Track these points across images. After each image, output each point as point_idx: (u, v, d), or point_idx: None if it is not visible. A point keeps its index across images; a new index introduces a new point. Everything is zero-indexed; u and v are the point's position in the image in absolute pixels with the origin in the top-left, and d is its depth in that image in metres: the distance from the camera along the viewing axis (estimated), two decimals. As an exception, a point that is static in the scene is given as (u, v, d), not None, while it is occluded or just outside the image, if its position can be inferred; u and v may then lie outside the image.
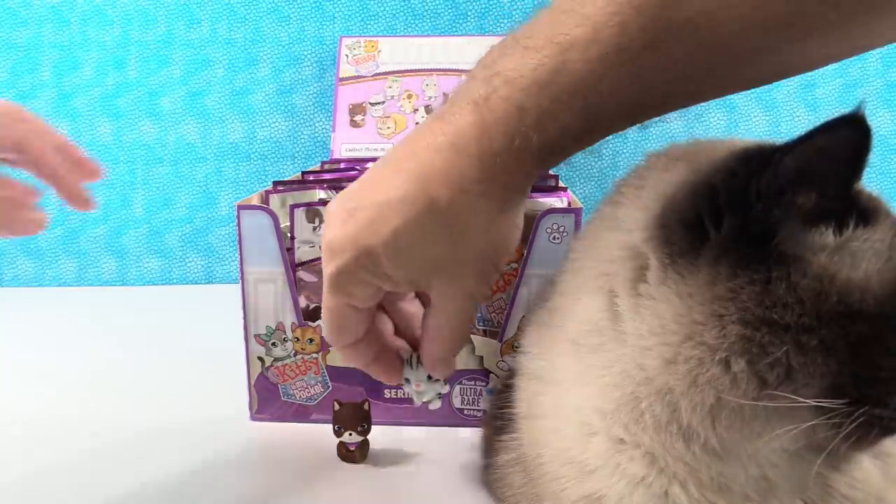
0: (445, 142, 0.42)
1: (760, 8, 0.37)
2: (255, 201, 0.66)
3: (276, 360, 0.64)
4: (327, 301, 0.46)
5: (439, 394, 0.54)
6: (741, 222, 0.35)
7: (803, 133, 0.34)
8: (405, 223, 0.42)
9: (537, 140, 0.41)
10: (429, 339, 0.48)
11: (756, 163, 0.35)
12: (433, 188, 0.41)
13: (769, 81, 0.42)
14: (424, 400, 0.53)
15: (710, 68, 0.39)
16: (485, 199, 0.42)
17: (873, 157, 0.34)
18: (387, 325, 0.52)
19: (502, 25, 1.09)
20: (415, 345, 0.52)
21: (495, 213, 0.43)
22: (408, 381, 0.53)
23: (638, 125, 0.42)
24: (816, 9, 0.37)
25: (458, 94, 0.43)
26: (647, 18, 0.38)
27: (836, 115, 0.34)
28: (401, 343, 0.52)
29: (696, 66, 0.39)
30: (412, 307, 0.52)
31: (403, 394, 0.63)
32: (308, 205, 0.64)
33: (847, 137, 0.34)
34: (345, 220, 0.43)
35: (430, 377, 0.52)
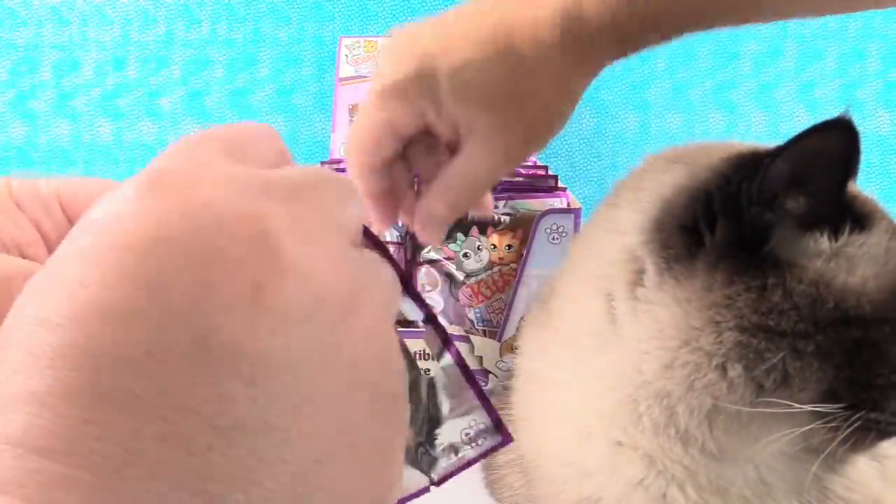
0: None
1: None
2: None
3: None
4: (366, 115, 0.45)
5: None
6: (735, 227, 0.35)
7: (792, 137, 0.34)
8: (480, 57, 0.41)
9: (625, 19, 0.40)
10: (440, 187, 0.46)
11: (748, 167, 0.35)
12: (516, 32, 0.41)
13: None
14: None
15: None
16: (560, 56, 0.42)
17: (873, 158, 0.34)
18: (404, 175, 0.49)
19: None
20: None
21: (564, 75, 0.43)
22: None
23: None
24: None
25: None
26: None
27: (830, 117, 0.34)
28: (410, 195, 0.49)
29: None
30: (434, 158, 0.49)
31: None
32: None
33: (834, 140, 0.34)
34: (412, 40, 0.43)
35: None
